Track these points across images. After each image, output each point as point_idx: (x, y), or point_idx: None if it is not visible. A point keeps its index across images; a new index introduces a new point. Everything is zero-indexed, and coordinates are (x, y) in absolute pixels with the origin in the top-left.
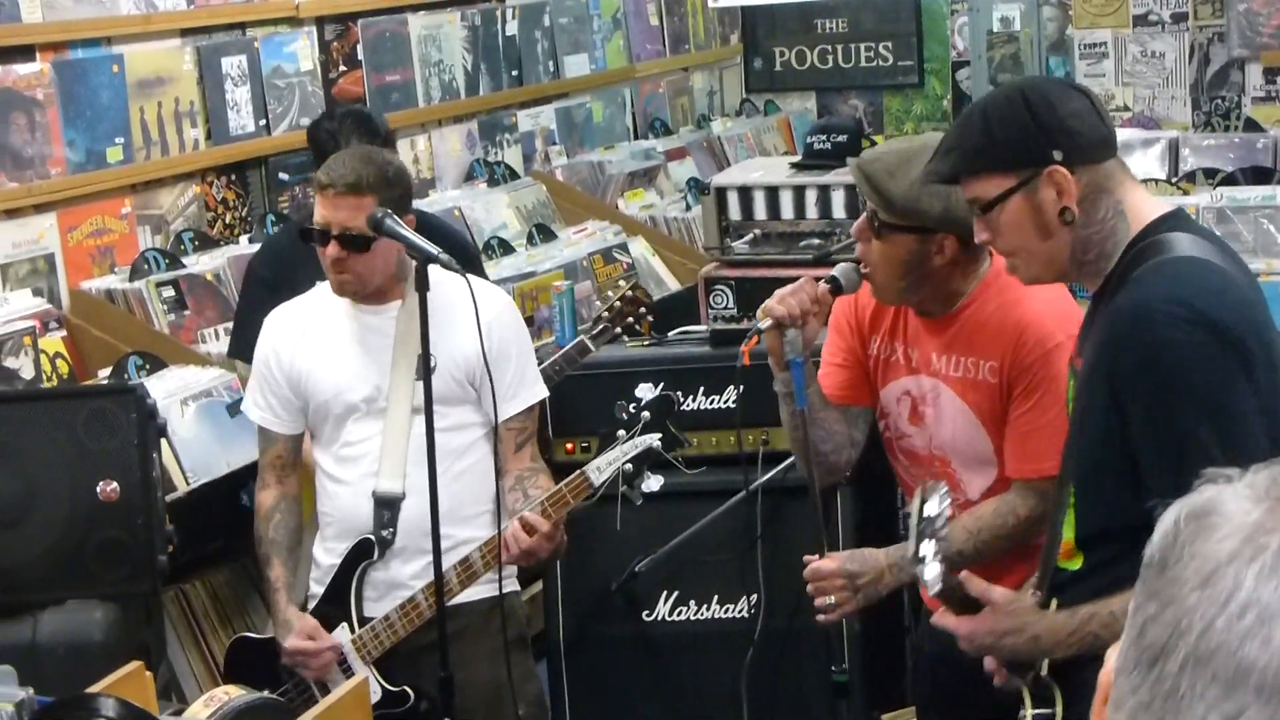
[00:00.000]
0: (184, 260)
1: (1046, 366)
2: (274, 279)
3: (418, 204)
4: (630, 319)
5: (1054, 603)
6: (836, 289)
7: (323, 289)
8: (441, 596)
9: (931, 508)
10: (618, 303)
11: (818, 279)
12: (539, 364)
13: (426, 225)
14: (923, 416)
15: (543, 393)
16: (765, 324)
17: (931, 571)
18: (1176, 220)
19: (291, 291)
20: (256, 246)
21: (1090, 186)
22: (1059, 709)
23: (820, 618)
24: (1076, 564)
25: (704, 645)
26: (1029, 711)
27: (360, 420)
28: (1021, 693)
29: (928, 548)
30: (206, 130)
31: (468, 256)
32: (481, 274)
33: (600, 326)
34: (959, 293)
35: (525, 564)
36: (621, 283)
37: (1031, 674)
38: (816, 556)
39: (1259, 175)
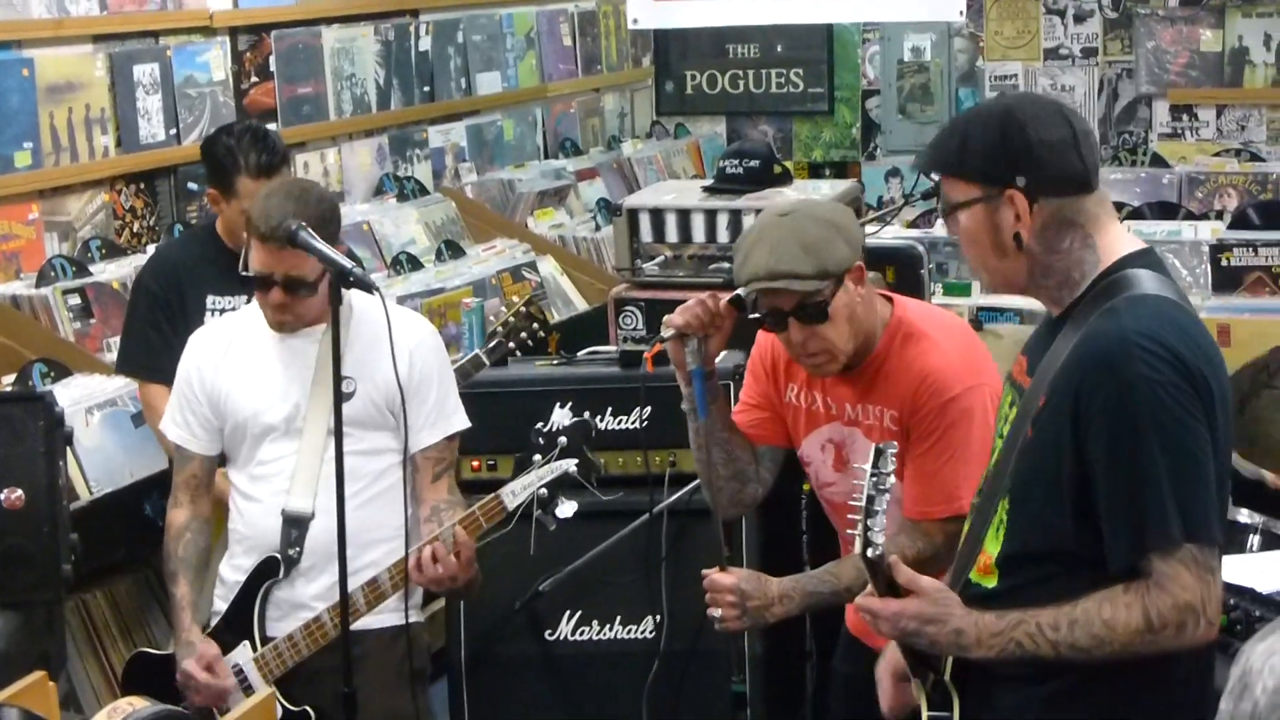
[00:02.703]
0: (91, 268)
1: (942, 416)
2: (162, 292)
3: None
4: (524, 334)
5: None
6: (739, 305)
7: (248, 311)
8: (346, 615)
9: (885, 464)
10: (511, 318)
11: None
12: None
13: None
14: (846, 463)
15: (463, 423)
16: (668, 333)
17: (878, 525)
18: (1146, 259)
19: (180, 304)
20: None
21: (1054, 218)
22: (955, 714)
23: (716, 627)
24: (992, 582)
25: (606, 665)
26: (925, 714)
27: (276, 440)
28: (918, 695)
29: (881, 504)
30: (117, 138)
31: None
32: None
33: (494, 341)
34: (874, 335)
35: (438, 589)
36: (515, 298)
37: (932, 677)
38: (717, 569)
39: (1165, 210)
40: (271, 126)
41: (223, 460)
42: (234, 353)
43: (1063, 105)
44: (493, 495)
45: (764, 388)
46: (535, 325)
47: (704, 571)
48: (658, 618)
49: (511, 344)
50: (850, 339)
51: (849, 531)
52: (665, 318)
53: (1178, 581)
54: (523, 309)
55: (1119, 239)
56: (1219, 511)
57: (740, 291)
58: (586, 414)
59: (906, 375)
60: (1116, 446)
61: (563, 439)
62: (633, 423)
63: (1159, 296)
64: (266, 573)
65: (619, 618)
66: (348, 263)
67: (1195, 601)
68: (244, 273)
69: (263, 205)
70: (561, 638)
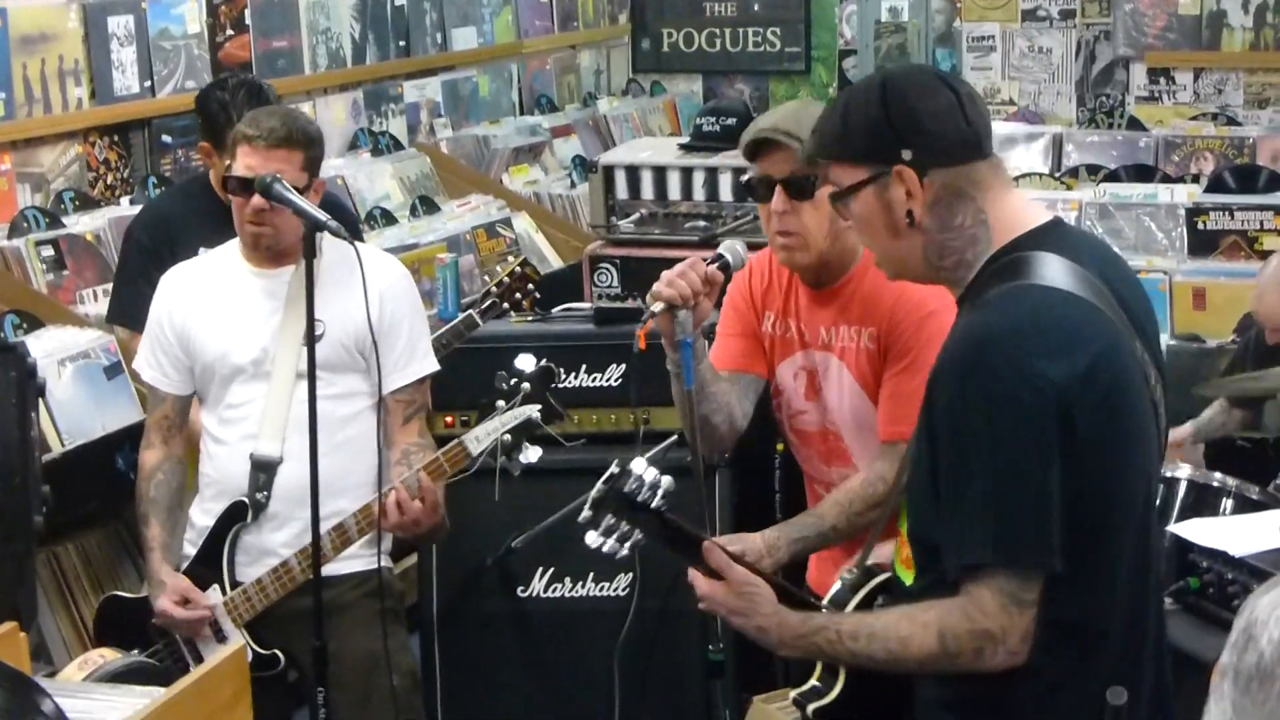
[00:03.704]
0: (64, 220)
1: (919, 332)
2: (153, 244)
3: None
4: (518, 295)
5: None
6: (725, 267)
7: (220, 251)
8: (319, 564)
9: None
10: (506, 278)
11: (706, 259)
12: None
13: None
14: (819, 391)
15: (434, 366)
16: (658, 308)
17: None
18: (1050, 236)
19: (172, 257)
20: (138, 208)
21: (946, 190)
22: (839, 686)
23: (701, 605)
24: (910, 579)
25: (578, 623)
26: (812, 681)
27: (245, 383)
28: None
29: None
30: (90, 89)
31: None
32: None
33: (489, 301)
34: (854, 253)
35: (405, 534)
36: (510, 258)
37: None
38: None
39: (1141, 173)
40: None
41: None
42: (205, 292)
43: (941, 71)
44: (456, 441)
45: (745, 316)
46: (530, 286)
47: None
48: (630, 576)
49: (505, 305)
50: (827, 237)
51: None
52: (651, 291)
53: (980, 607)
54: (517, 269)
55: (1017, 214)
56: (1053, 535)
57: (723, 252)
58: (561, 371)
59: (885, 292)
60: (947, 457)
61: (526, 385)
62: (607, 380)
63: (1044, 288)
64: (235, 517)
65: (591, 575)
66: (322, 214)
67: (995, 630)
68: (225, 175)
69: (252, 116)
70: (534, 594)
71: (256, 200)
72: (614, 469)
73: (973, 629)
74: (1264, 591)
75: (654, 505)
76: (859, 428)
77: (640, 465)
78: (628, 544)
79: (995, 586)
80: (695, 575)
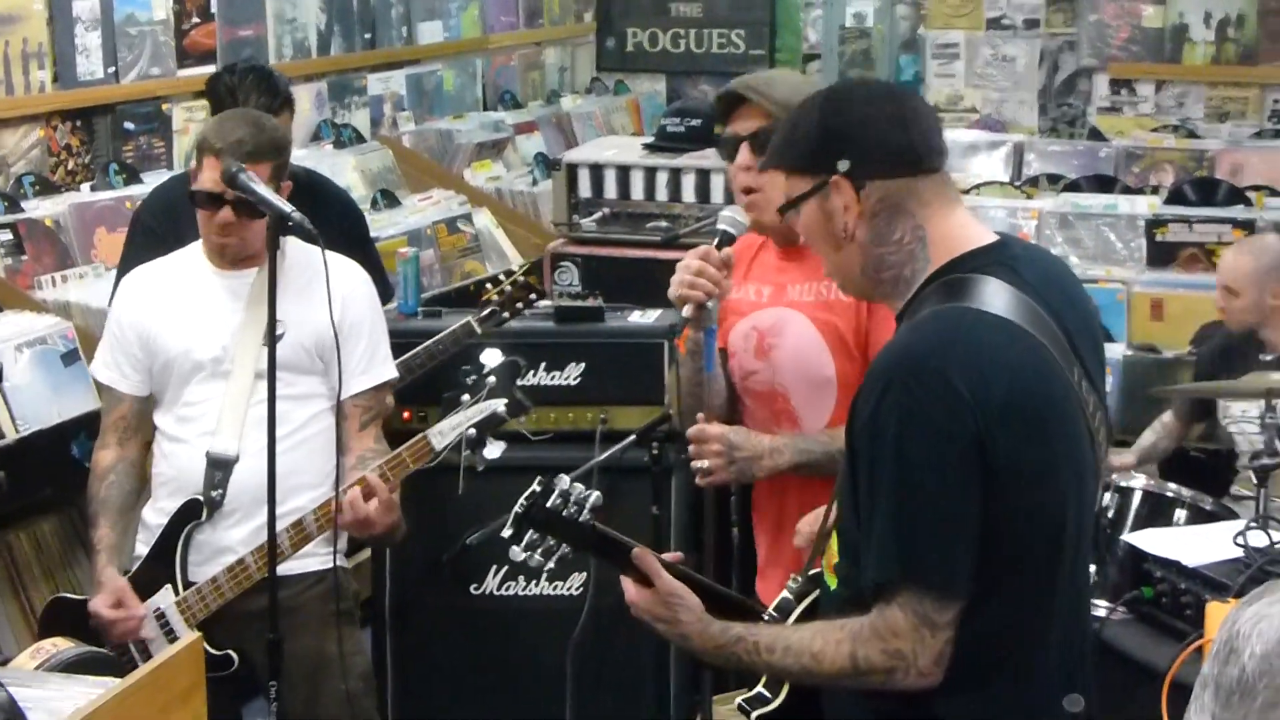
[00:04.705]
0: (24, 205)
1: None
2: (160, 230)
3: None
4: (520, 304)
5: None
6: (728, 240)
7: (184, 252)
8: (274, 560)
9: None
10: (509, 287)
11: (714, 244)
12: (409, 335)
13: (317, 187)
14: (769, 349)
15: (392, 373)
16: (689, 310)
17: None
18: (993, 258)
19: (178, 243)
20: (100, 195)
21: (883, 203)
22: (784, 694)
23: (698, 480)
24: (834, 584)
25: (531, 621)
26: (758, 687)
27: (204, 381)
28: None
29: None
30: (54, 73)
31: (360, 228)
32: (372, 248)
33: (489, 310)
34: None
35: (360, 534)
36: (515, 268)
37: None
38: (703, 418)
39: (1101, 183)
40: (210, 69)
41: None
42: (168, 292)
43: (895, 86)
44: (420, 436)
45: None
46: (533, 296)
47: (690, 429)
48: (584, 575)
49: (506, 314)
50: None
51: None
52: (676, 296)
53: (891, 626)
54: (520, 279)
55: (959, 232)
56: (962, 558)
57: (724, 228)
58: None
59: None
60: (863, 472)
61: (491, 379)
62: (567, 379)
63: (975, 311)
64: (189, 515)
65: (545, 574)
66: (288, 207)
67: (906, 650)
68: (193, 189)
69: (217, 125)
70: (488, 592)
71: (224, 213)
72: (536, 487)
73: (884, 648)
74: (1247, 603)
75: (582, 519)
76: (808, 386)
77: (564, 482)
78: (553, 557)
79: (907, 607)
80: (626, 582)
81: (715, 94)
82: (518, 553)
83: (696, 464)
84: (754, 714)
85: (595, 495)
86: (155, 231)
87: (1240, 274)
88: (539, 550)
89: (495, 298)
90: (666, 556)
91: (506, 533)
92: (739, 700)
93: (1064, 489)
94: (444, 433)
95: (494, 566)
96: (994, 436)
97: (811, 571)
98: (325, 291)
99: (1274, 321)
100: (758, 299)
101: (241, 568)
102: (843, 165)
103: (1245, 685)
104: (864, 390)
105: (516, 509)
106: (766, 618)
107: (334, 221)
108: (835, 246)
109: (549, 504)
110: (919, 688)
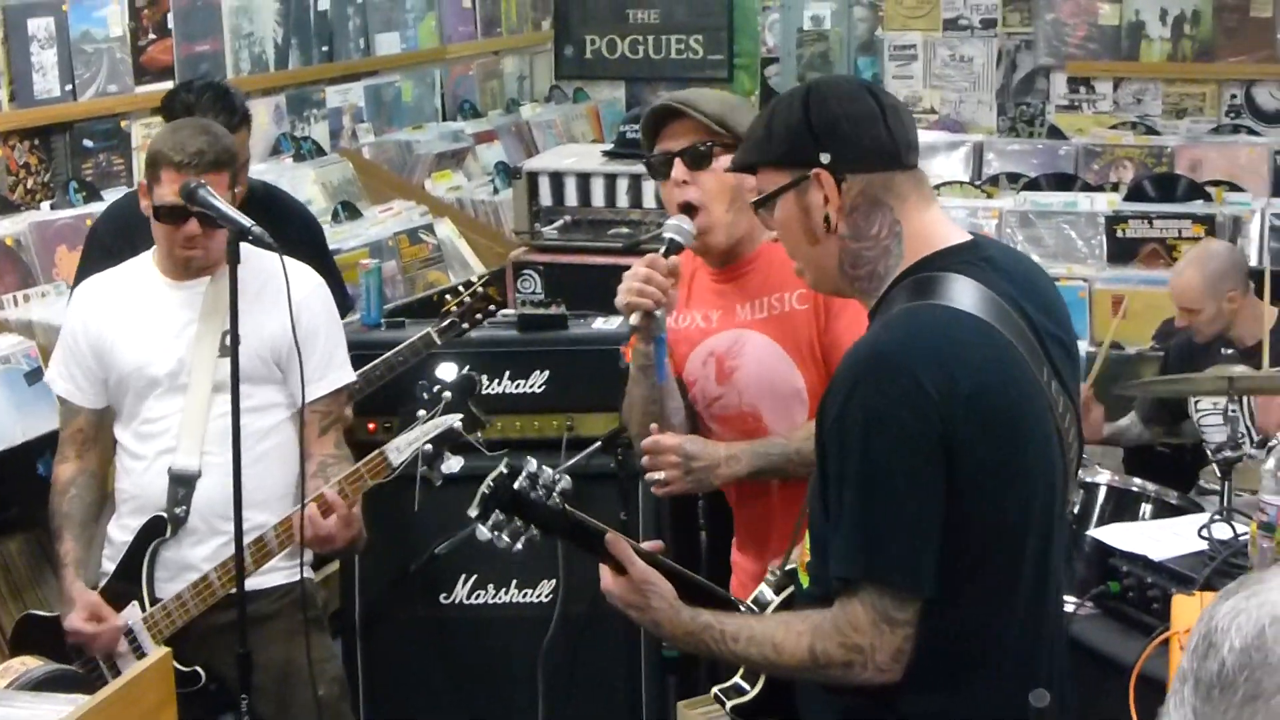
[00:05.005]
0: None
1: None
2: (115, 246)
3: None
4: (479, 315)
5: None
6: (676, 249)
7: (135, 262)
8: (242, 573)
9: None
10: (468, 298)
11: (659, 252)
12: (373, 347)
13: (275, 199)
14: (730, 372)
15: (350, 377)
16: (636, 319)
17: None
18: (965, 257)
19: (132, 255)
20: (60, 213)
21: (863, 197)
22: (760, 685)
23: (654, 490)
24: (806, 581)
25: (502, 629)
26: (735, 678)
27: (162, 396)
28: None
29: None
30: (10, 92)
31: (318, 240)
32: (330, 260)
33: (448, 320)
34: (757, 230)
35: (321, 550)
36: (475, 278)
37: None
38: (656, 429)
39: (1061, 181)
40: (168, 85)
41: None
42: (121, 304)
43: (868, 82)
44: (377, 452)
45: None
46: (492, 306)
47: (645, 440)
48: (554, 582)
49: (465, 325)
50: (730, 210)
51: None
52: (624, 304)
53: (851, 621)
54: (479, 289)
55: (933, 230)
56: (924, 557)
57: (671, 236)
58: (484, 378)
59: None
60: (831, 469)
61: (447, 394)
62: (530, 386)
63: (945, 309)
64: (154, 532)
65: (515, 582)
66: (247, 221)
67: (865, 645)
68: (156, 205)
69: (173, 137)
70: (457, 601)
71: (190, 226)
72: (503, 468)
73: (843, 642)
74: (1224, 597)
75: (551, 503)
76: (776, 400)
77: (532, 465)
78: (521, 539)
79: (868, 603)
80: (603, 569)
81: (643, 121)
82: (484, 532)
83: (652, 475)
84: (729, 704)
85: (565, 480)
86: (110, 247)
87: (1192, 292)
88: (505, 531)
89: (455, 308)
90: (646, 545)
91: (472, 512)
92: (715, 690)
93: (1030, 488)
94: (400, 449)
95: (463, 575)
96: (960, 435)
97: (788, 566)
98: (276, 298)
99: (1239, 320)
100: (707, 324)
101: (206, 584)
102: (825, 158)
103: (1225, 679)
104: (833, 388)
105: (483, 489)
106: (744, 609)
107: (292, 235)
108: (812, 241)
109: (515, 485)
110: (877, 683)
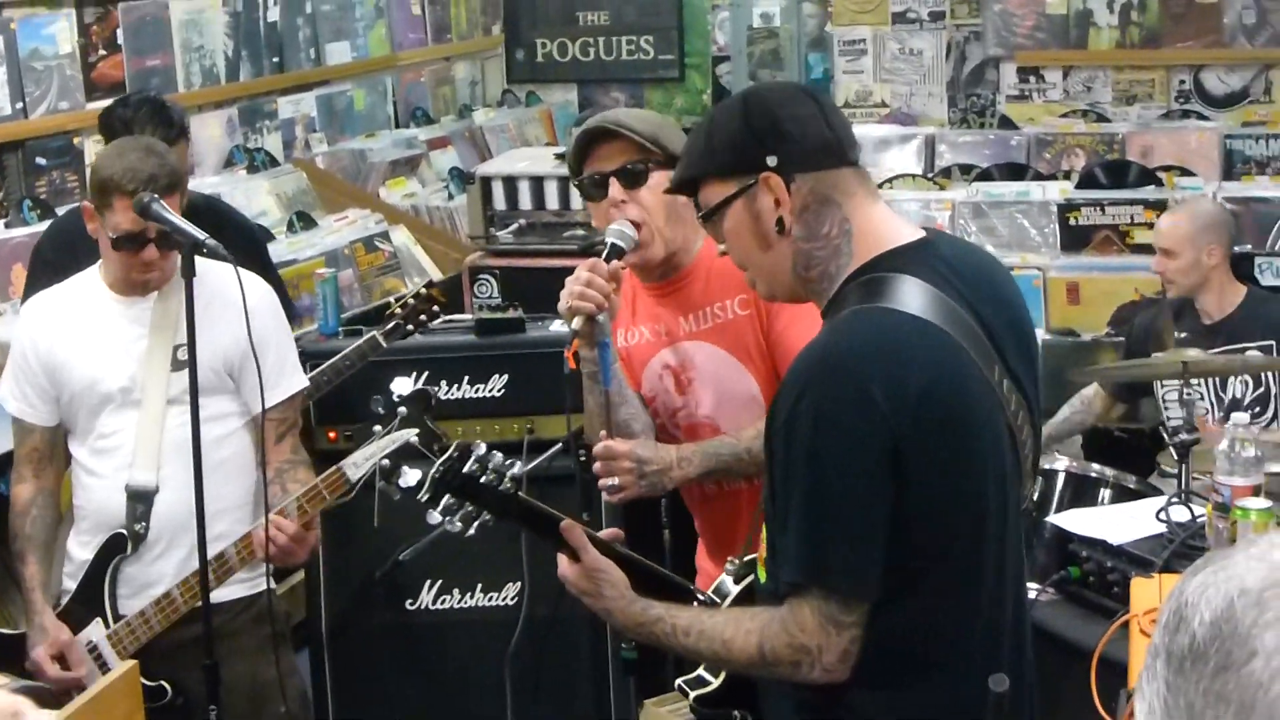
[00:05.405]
0: None
1: None
2: (59, 262)
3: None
4: (423, 316)
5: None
6: (618, 254)
7: (82, 278)
8: (206, 586)
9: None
10: (411, 300)
11: (600, 256)
12: (331, 356)
13: (217, 212)
14: (688, 384)
15: (303, 382)
16: (578, 323)
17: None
18: (915, 256)
19: (77, 271)
20: (14, 231)
21: (812, 196)
22: (723, 676)
23: (607, 497)
24: (763, 577)
25: (468, 633)
26: (699, 670)
27: (115, 412)
28: None
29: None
30: None
31: (259, 249)
32: (274, 272)
33: (393, 323)
34: (694, 241)
35: (280, 564)
36: (417, 280)
37: None
38: (606, 435)
39: (1013, 171)
40: None
41: None
42: (70, 321)
43: (802, 85)
44: (335, 468)
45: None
46: (435, 308)
47: (596, 447)
48: (519, 584)
49: (410, 326)
50: (669, 223)
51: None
52: (566, 308)
53: (799, 622)
54: (423, 290)
55: (882, 228)
56: (870, 562)
57: (613, 241)
58: (443, 383)
59: None
60: (779, 473)
61: (403, 409)
62: (490, 391)
63: (893, 312)
64: (114, 549)
65: (480, 585)
66: (200, 233)
67: (811, 646)
68: (114, 235)
69: (120, 163)
70: (423, 607)
71: (149, 251)
72: (453, 452)
73: (790, 643)
74: (1193, 572)
75: (502, 487)
76: (736, 407)
77: (482, 449)
78: (474, 524)
79: (814, 606)
80: (560, 555)
81: (576, 133)
82: (435, 516)
83: (605, 482)
84: (693, 694)
85: (517, 465)
86: (54, 263)
87: (1177, 235)
88: (458, 515)
89: (399, 311)
90: (604, 533)
91: (423, 497)
92: (679, 681)
93: (982, 488)
94: (358, 464)
95: (428, 581)
96: (909, 438)
97: (748, 557)
98: (224, 310)
99: (1211, 283)
100: (656, 339)
101: (169, 600)
102: (771, 160)
103: (1197, 651)
104: (782, 392)
105: (433, 473)
106: (703, 599)
107: (234, 247)
108: (764, 248)
109: (465, 469)
110: (824, 681)
